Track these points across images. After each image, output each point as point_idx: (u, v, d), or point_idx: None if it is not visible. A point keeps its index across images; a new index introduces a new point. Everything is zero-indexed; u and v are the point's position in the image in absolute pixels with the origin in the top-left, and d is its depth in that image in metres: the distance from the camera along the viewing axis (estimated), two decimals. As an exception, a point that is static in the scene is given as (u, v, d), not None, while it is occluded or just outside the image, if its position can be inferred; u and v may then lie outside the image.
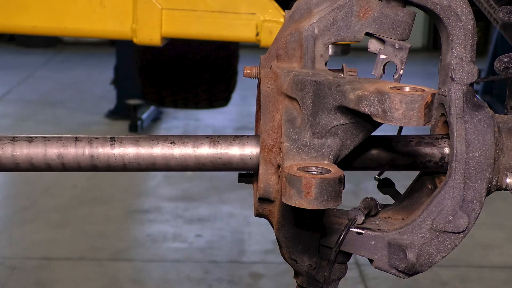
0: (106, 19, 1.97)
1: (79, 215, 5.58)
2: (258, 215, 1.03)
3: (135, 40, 1.96)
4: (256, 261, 5.01)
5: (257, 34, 1.93)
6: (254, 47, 1.98)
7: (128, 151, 0.99)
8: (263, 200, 0.99)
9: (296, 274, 1.08)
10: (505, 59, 1.12)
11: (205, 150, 1.00)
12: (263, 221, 1.06)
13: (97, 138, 1.00)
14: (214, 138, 1.00)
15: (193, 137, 1.01)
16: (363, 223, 1.02)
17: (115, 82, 8.54)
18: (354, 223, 1.01)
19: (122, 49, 8.00)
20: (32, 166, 0.99)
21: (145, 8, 1.94)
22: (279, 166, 0.94)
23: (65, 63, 11.38)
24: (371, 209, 1.05)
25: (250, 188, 1.09)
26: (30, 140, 0.99)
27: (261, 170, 0.96)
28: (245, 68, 1.05)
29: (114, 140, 0.99)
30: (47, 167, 0.99)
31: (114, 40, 8.31)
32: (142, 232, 5.44)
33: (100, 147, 0.99)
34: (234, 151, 1.00)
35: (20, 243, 5.24)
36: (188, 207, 5.79)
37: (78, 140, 0.99)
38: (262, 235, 5.32)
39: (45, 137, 0.99)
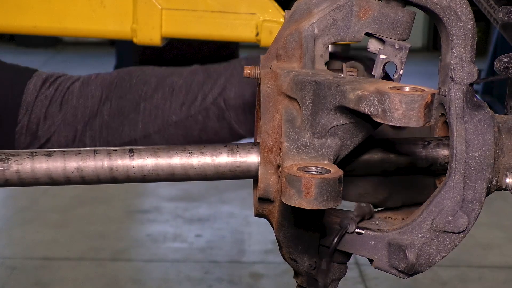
0: (106, 19, 1.97)
1: (79, 215, 5.58)
2: (258, 215, 1.03)
3: (135, 40, 1.96)
4: (256, 261, 5.01)
5: (257, 34, 1.93)
6: (254, 47, 1.98)
7: (147, 162, 0.99)
8: (263, 200, 0.99)
9: (296, 274, 1.08)
10: (505, 59, 1.12)
11: (224, 159, 1.00)
12: (263, 221, 1.06)
13: (115, 150, 0.99)
14: (233, 147, 1.00)
15: (211, 146, 1.01)
16: (353, 232, 1.01)
17: (115, 82, 8.53)
18: (345, 232, 1.01)
19: (122, 49, 8.00)
20: (51, 180, 0.99)
21: (145, 8, 1.94)
22: (279, 166, 0.94)
23: (65, 63, 11.38)
24: (365, 216, 1.05)
25: (250, 188, 1.09)
26: (49, 154, 0.98)
27: (261, 170, 0.96)
28: (245, 68, 1.05)
29: (133, 152, 0.99)
30: (67, 180, 0.99)
31: (114, 40, 8.30)
32: (142, 232, 5.44)
33: (119, 159, 0.98)
34: (253, 158, 1.00)
35: (20, 243, 5.24)
36: (188, 207, 5.79)
37: (96, 153, 0.99)
38: (262, 235, 5.32)
39: (63, 151, 0.99)
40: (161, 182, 1.01)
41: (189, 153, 0.99)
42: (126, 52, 7.36)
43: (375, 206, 1.10)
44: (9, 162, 0.97)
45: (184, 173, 0.99)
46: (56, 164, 0.98)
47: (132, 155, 0.99)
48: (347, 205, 1.00)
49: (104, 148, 1.00)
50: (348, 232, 1.01)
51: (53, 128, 1.54)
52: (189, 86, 1.48)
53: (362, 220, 1.04)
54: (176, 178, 1.00)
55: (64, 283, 4.66)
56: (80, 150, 0.99)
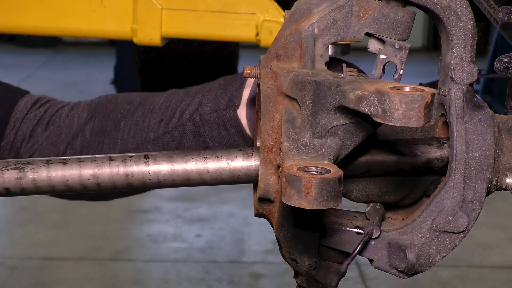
0: (106, 19, 1.97)
1: (79, 215, 5.59)
2: (258, 215, 1.03)
3: (135, 40, 1.96)
4: (256, 261, 5.01)
5: (257, 34, 1.93)
6: (254, 47, 1.98)
7: (163, 168, 0.98)
8: (263, 200, 0.99)
9: (296, 274, 1.08)
10: (505, 59, 1.12)
11: (239, 163, 0.99)
12: (263, 221, 1.06)
13: (130, 156, 0.99)
14: (248, 150, 1.00)
15: (226, 150, 1.00)
16: (377, 237, 1.01)
17: (115, 82, 8.54)
18: (370, 237, 1.01)
19: (122, 49, 8.00)
20: (67, 188, 0.98)
21: (145, 8, 1.94)
22: (279, 166, 0.94)
23: (65, 63, 11.39)
24: (382, 218, 1.05)
25: (250, 188, 1.09)
26: (64, 162, 0.98)
27: (261, 170, 0.96)
28: (245, 68, 1.05)
29: (148, 158, 0.99)
30: (83, 188, 0.98)
31: (114, 40, 8.31)
32: (142, 232, 5.44)
33: (135, 165, 0.98)
34: None
35: (20, 243, 5.24)
36: (188, 207, 5.79)
37: (112, 160, 0.98)
38: (262, 235, 5.33)
39: (79, 158, 0.99)
40: (177, 187, 1.00)
41: (204, 158, 0.99)
42: (126, 52, 7.36)
43: (391, 205, 1.09)
44: (25, 170, 0.97)
45: (199, 178, 0.99)
46: (72, 172, 0.98)
47: (147, 161, 0.98)
48: (347, 205, 1.00)
49: (119, 154, 1.00)
50: (373, 238, 1.01)
51: (36, 147, 1.55)
52: (168, 103, 1.50)
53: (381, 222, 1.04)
54: (192, 183, 1.00)
55: (64, 283, 4.66)
56: (95, 157, 0.99)
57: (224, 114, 1.44)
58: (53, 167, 0.98)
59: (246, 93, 1.43)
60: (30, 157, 1.53)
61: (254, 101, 1.39)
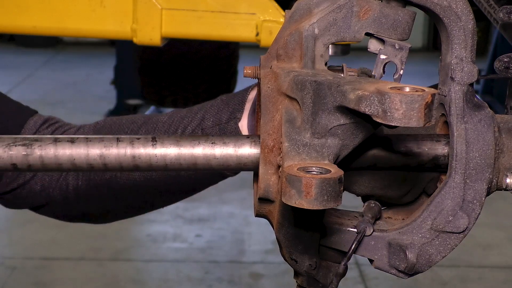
0: (106, 19, 1.97)
1: (79, 215, 5.58)
2: (258, 215, 1.03)
3: (135, 40, 1.96)
4: (256, 261, 5.01)
5: (257, 34, 1.93)
6: (254, 47, 1.98)
7: (170, 151, 0.98)
8: (263, 200, 0.99)
9: (296, 274, 1.08)
10: (505, 59, 1.12)
11: (246, 150, 0.99)
12: (263, 221, 1.06)
13: (138, 138, 0.99)
14: (255, 139, 1.00)
15: (234, 137, 1.01)
16: (370, 234, 1.01)
17: (115, 82, 8.54)
18: (364, 236, 1.01)
19: (122, 49, 7.99)
20: (74, 167, 0.98)
21: (145, 8, 1.94)
22: (279, 166, 0.94)
23: (65, 63, 11.38)
24: (376, 216, 1.05)
25: (250, 188, 1.10)
26: (72, 140, 0.98)
27: (261, 170, 0.96)
28: (245, 68, 1.05)
29: (156, 141, 0.99)
30: (89, 167, 0.98)
31: (114, 40, 8.31)
32: (142, 232, 5.44)
33: (142, 147, 0.98)
34: None
35: (20, 243, 5.24)
36: (188, 207, 5.79)
37: (119, 141, 0.98)
38: (262, 235, 5.33)
39: (87, 138, 0.98)
40: (183, 171, 1.00)
41: (212, 143, 0.99)
42: (126, 52, 7.35)
43: (393, 201, 1.09)
44: (33, 147, 0.97)
45: (206, 163, 0.99)
46: (79, 151, 0.97)
47: (155, 144, 0.98)
48: (348, 205, 1.00)
49: (127, 136, 0.99)
50: (366, 235, 1.01)
51: None
52: (171, 121, 1.52)
53: (375, 220, 1.04)
54: (198, 168, 1.00)
55: (64, 283, 4.66)
56: (103, 138, 0.99)
57: (226, 127, 1.46)
58: (60, 145, 0.97)
59: (248, 106, 1.45)
60: (33, 176, 1.56)
61: (255, 112, 1.41)
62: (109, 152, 0.97)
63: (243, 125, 1.45)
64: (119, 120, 1.60)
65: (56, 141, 0.97)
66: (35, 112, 1.63)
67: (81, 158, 0.97)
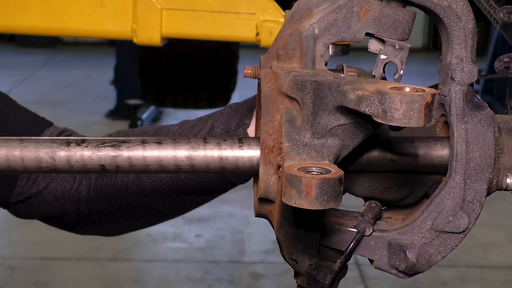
0: (106, 19, 1.97)
1: (79, 215, 5.58)
2: (258, 215, 1.03)
3: (135, 40, 1.96)
4: (256, 261, 5.01)
5: (257, 34, 1.93)
6: (254, 47, 1.98)
7: (256, 153, 0.98)
8: (263, 200, 0.99)
9: (296, 274, 1.08)
10: (505, 59, 1.12)
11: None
12: (263, 221, 1.06)
13: (225, 140, 0.99)
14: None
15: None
16: (370, 235, 1.01)
17: (115, 82, 8.54)
18: (363, 236, 1.01)
19: (122, 49, 8.00)
20: (161, 168, 0.98)
21: (145, 8, 1.94)
22: (279, 166, 0.94)
23: (65, 63, 11.39)
24: (377, 216, 1.05)
25: (250, 188, 1.10)
26: (159, 142, 0.98)
27: (261, 171, 0.96)
28: (245, 68, 1.05)
29: (243, 142, 0.99)
30: (176, 168, 0.98)
31: (114, 40, 8.31)
32: (142, 232, 5.44)
33: (229, 149, 0.98)
34: None
35: (20, 243, 5.24)
36: (188, 207, 5.77)
37: (207, 142, 0.99)
38: (262, 235, 5.33)
39: (174, 139, 0.99)
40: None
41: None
42: (126, 52, 7.36)
43: (393, 203, 1.09)
44: (121, 148, 0.97)
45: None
46: (167, 152, 0.97)
47: (241, 145, 0.99)
48: (348, 205, 1.00)
49: (214, 137, 1.00)
50: (366, 236, 1.01)
51: (53, 176, 1.57)
52: (182, 130, 1.55)
53: (375, 221, 1.04)
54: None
55: (64, 283, 4.66)
56: (190, 139, 0.99)
57: (235, 133, 1.48)
58: (148, 146, 0.97)
59: None
60: (46, 186, 1.56)
61: None
62: (196, 154, 0.98)
63: (251, 131, 1.47)
64: (131, 132, 1.62)
65: (143, 142, 0.98)
66: (51, 123, 1.64)
67: (169, 159, 0.97)
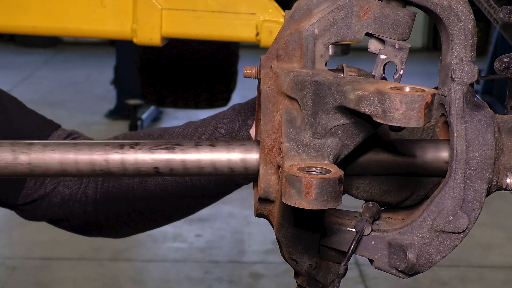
0: (106, 19, 1.97)
1: (79, 215, 5.57)
2: (258, 215, 1.03)
3: (135, 40, 1.96)
4: (256, 261, 5.01)
5: (257, 34, 1.93)
6: (254, 47, 1.98)
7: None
8: (263, 200, 0.99)
9: (296, 274, 1.08)
10: (505, 59, 1.12)
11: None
12: (263, 221, 1.06)
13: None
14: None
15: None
16: (369, 234, 1.01)
17: (115, 82, 8.53)
18: (362, 235, 1.01)
19: (122, 49, 7.99)
20: (215, 171, 0.98)
21: (145, 8, 1.94)
22: (279, 166, 0.94)
23: (65, 63, 11.38)
24: (375, 216, 1.05)
25: (250, 188, 1.10)
26: (213, 145, 0.98)
27: (261, 171, 0.96)
28: (245, 68, 1.05)
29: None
30: (230, 171, 0.98)
31: (114, 40, 8.31)
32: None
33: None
34: None
35: (20, 243, 5.24)
36: (188, 207, 5.77)
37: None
38: (262, 235, 5.33)
39: (227, 142, 0.99)
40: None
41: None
42: (126, 52, 7.35)
43: (393, 205, 1.09)
44: (175, 151, 0.97)
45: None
46: (221, 155, 0.97)
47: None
48: (348, 205, 1.00)
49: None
50: (364, 235, 1.01)
51: (61, 178, 1.56)
52: (186, 131, 1.55)
53: (373, 221, 1.04)
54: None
55: (64, 283, 4.66)
56: (243, 141, 0.99)
57: (238, 134, 1.49)
58: (202, 149, 0.97)
59: None
60: (54, 188, 1.56)
61: None
62: (249, 157, 0.98)
63: (254, 132, 1.47)
64: (137, 134, 1.62)
65: (197, 145, 0.98)
66: (59, 126, 1.64)
67: (223, 162, 0.97)
